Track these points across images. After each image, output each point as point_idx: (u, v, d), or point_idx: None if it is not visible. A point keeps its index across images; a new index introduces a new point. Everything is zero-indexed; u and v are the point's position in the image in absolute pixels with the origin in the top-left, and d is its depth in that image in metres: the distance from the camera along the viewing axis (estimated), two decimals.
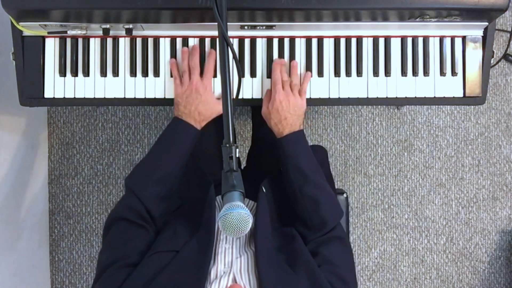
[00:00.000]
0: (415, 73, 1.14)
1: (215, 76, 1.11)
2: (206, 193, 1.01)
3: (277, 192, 1.09)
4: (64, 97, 1.12)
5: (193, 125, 1.03)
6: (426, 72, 1.14)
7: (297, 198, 1.02)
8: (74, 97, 1.12)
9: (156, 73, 1.12)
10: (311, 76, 1.13)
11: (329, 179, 1.27)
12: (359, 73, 1.14)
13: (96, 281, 0.86)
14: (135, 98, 1.13)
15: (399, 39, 1.14)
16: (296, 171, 1.02)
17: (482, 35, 1.14)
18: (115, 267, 0.86)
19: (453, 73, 1.14)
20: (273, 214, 1.04)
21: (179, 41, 1.12)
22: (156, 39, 1.12)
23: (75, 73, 1.11)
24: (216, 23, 0.89)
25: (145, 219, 0.96)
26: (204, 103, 1.03)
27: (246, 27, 1.09)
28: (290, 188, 1.04)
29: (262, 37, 1.12)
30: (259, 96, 1.13)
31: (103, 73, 1.12)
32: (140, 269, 0.85)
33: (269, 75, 1.13)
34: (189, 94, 1.03)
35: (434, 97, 1.15)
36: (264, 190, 1.03)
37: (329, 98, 1.14)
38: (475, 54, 1.14)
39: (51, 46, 1.11)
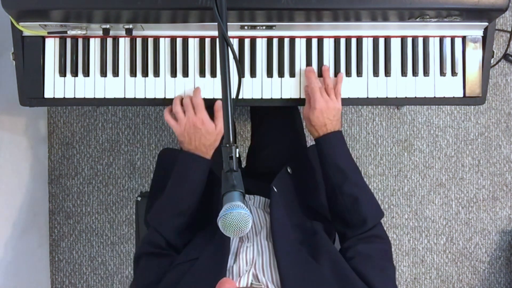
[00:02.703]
0: (415, 73, 1.14)
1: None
2: (218, 200, 1.02)
3: (289, 189, 1.10)
4: (64, 97, 1.12)
5: (202, 156, 1.05)
6: (426, 72, 1.14)
7: (337, 196, 1.03)
8: (74, 97, 1.12)
9: (156, 73, 1.12)
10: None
11: None
12: (359, 73, 1.14)
13: None
14: (135, 98, 1.13)
15: (399, 39, 1.14)
16: (336, 169, 1.04)
17: (482, 35, 1.14)
18: (139, 286, 0.92)
19: (453, 73, 1.14)
20: (290, 211, 1.05)
21: (179, 41, 1.12)
22: (156, 39, 1.12)
23: (75, 73, 1.11)
24: (216, 23, 0.89)
25: (167, 249, 1.01)
26: (206, 134, 1.05)
27: (246, 27, 1.09)
28: (329, 186, 1.06)
29: (262, 37, 1.12)
30: (258, 96, 1.13)
31: (103, 73, 1.12)
32: (161, 284, 0.88)
33: (269, 75, 1.13)
34: (189, 131, 1.05)
35: (434, 97, 1.15)
36: (276, 190, 1.05)
37: None
38: (475, 54, 1.14)
39: (51, 46, 1.11)
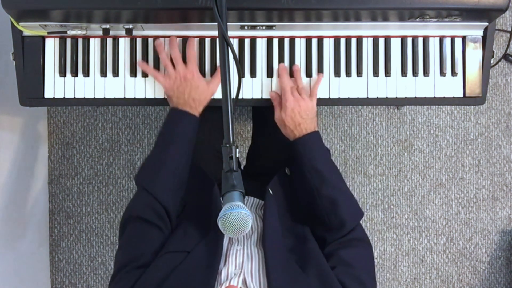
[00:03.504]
0: (415, 73, 1.14)
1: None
2: (210, 194, 1.01)
3: (285, 192, 1.09)
4: (64, 97, 1.12)
5: (190, 112, 1.03)
6: (426, 72, 1.14)
7: (315, 199, 1.01)
8: (74, 97, 1.12)
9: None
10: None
11: None
12: (359, 73, 1.14)
13: (112, 281, 0.89)
14: (135, 98, 1.13)
15: (399, 39, 1.14)
16: (313, 171, 1.02)
17: (482, 35, 1.14)
18: (128, 268, 0.88)
19: (453, 73, 1.15)
20: (283, 215, 1.03)
21: (179, 41, 1.12)
22: (156, 39, 1.12)
23: (75, 73, 1.11)
24: (216, 23, 0.89)
25: (162, 217, 0.96)
26: (196, 88, 1.03)
27: (246, 27, 1.09)
28: (307, 189, 1.03)
29: (262, 37, 1.13)
30: (258, 96, 1.14)
31: (103, 73, 1.12)
32: (151, 269, 0.86)
33: (269, 75, 1.13)
34: (179, 84, 1.03)
35: (434, 97, 1.15)
36: (271, 192, 1.03)
37: (329, 98, 1.14)
38: (475, 54, 1.14)
39: (51, 46, 1.11)
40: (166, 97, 1.10)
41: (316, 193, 1.01)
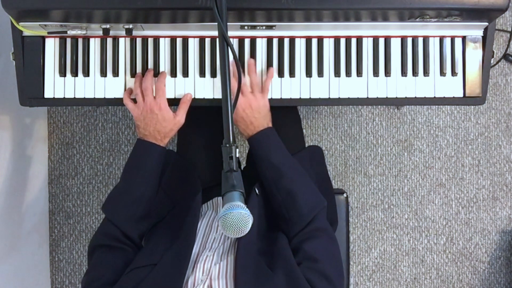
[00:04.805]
0: (415, 73, 1.14)
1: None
2: (192, 199, 1.02)
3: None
4: (64, 97, 1.12)
5: (155, 143, 1.05)
6: (426, 72, 1.14)
7: (274, 193, 1.02)
8: (74, 97, 1.12)
9: (156, 74, 1.12)
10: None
11: (325, 179, 1.27)
12: (359, 73, 1.14)
13: None
14: (135, 98, 1.13)
15: (399, 39, 1.14)
16: (270, 166, 1.03)
17: (482, 35, 1.14)
18: (92, 287, 0.89)
19: (453, 73, 1.14)
20: (262, 218, 1.04)
21: (179, 41, 1.12)
22: (156, 39, 1.12)
23: (75, 73, 1.11)
24: (216, 23, 0.89)
25: (123, 241, 0.99)
26: (162, 121, 1.04)
27: (246, 27, 1.09)
28: (266, 185, 1.04)
29: (262, 37, 1.12)
30: None
31: (103, 73, 1.12)
32: (116, 287, 0.87)
33: None
34: (146, 115, 1.04)
35: (434, 97, 1.15)
36: (258, 193, 1.04)
37: (329, 98, 1.14)
38: (475, 54, 1.14)
39: (51, 46, 1.11)
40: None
41: (274, 187, 1.02)
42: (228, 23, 0.91)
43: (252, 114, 1.05)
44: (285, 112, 1.25)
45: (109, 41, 1.11)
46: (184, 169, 1.16)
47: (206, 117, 1.20)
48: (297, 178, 1.03)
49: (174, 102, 1.11)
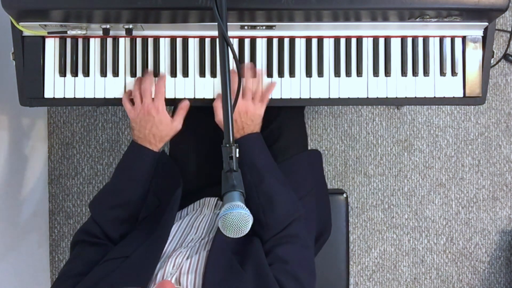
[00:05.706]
0: (415, 73, 1.14)
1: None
2: (172, 194, 1.02)
3: None
4: (64, 97, 1.12)
5: (149, 148, 1.04)
6: (426, 72, 1.14)
7: (253, 195, 1.01)
8: (74, 97, 1.12)
9: (156, 73, 1.12)
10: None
11: (322, 184, 1.26)
12: (359, 73, 1.14)
13: None
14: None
15: (399, 39, 1.14)
16: (253, 168, 1.02)
17: (482, 35, 1.14)
18: (64, 277, 0.90)
19: (453, 73, 1.15)
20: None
21: (179, 41, 1.12)
22: (156, 39, 1.12)
23: (75, 73, 1.11)
24: (216, 23, 0.89)
25: (103, 239, 1.00)
26: (158, 124, 1.04)
27: (246, 27, 1.09)
28: (247, 186, 1.03)
29: (262, 37, 1.12)
30: None
31: (103, 73, 1.12)
32: (88, 276, 0.87)
33: (269, 75, 1.13)
34: (142, 117, 1.04)
35: (434, 97, 1.15)
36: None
37: (329, 98, 1.14)
38: (475, 54, 1.14)
39: (51, 46, 1.11)
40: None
41: (255, 190, 1.01)
42: (228, 23, 0.91)
43: (246, 120, 1.06)
44: (292, 114, 1.25)
45: (109, 41, 1.11)
46: (167, 165, 1.16)
47: (194, 120, 1.20)
48: (277, 185, 1.04)
49: (173, 103, 1.11)
